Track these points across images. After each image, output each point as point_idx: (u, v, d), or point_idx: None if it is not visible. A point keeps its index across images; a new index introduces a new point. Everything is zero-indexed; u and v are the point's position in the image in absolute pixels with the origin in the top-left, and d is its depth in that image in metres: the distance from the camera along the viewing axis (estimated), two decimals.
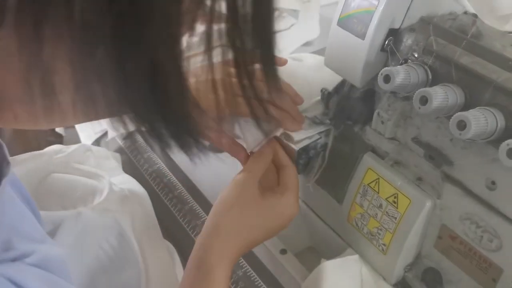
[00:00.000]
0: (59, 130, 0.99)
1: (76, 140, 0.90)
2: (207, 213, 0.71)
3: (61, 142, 0.96)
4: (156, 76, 0.29)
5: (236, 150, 0.61)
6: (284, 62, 0.65)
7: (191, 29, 0.30)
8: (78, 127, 0.90)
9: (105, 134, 0.86)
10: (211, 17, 0.30)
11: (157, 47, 0.28)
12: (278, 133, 0.60)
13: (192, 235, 0.69)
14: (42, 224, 0.36)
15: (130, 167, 0.80)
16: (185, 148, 0.35)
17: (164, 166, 0.79)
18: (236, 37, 0.31)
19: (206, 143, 0.35)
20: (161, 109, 0.32)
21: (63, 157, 0.76)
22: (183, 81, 0.31)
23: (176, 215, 0.72)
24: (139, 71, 0.29)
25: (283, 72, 0.67)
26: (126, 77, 0.29)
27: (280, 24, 1.02)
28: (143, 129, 0.34)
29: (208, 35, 0.30)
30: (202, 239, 0.53)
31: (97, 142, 0.86)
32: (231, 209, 0.53)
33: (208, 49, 0.31)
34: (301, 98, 0.62)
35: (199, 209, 0.72)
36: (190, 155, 0.35)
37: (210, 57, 0.31)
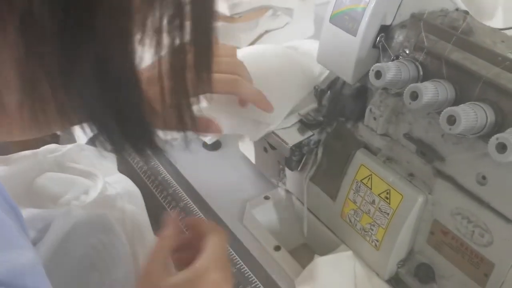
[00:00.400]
0: None
1: (73, 139, 0.90)
2: (202, 211, 0.71)
3: (57, 142, 0.96)
4: (105, 73, 0.28)
5: (210, 126, 0.58)
6: (271, 110, 0.61)
7: (143, 29, 0.29)
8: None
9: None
10: (160, 19, 0.29)
11: (107, 42, 0.27)
12: None
13: (187, 233, 0.69)
14: (24, 228, 0.34)
15: (125, 165, 0.80)
16: (139, 150, 0.34)
17: (159, 164, 0.79)
18: (177, 29, 0.30)
19: (167, 141, 0.35)
20: (112, 109, 0.30)
21: (57, 156, 0.76)
22: (136, 79, 0.30)
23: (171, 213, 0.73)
24: (88, 68, 0.28)
25: (277, 63, 0.68)
26: (75, 75, 0.28)
27: (275, 22, 1.03)
28: (96, 133, 0.32)
29: (157, 31, 0.30)
30: None
31: (91, 141, 0.86)
32: None
33: (157, 45, 0.30)
34: (271, 107, 0.60)
35: (193, 206, 0.72)
36: (144, 157, 0.34)
37: (157, 52, 0.31)
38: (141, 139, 0.34)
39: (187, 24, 0.31)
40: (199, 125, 0.50)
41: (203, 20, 0.32)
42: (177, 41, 0.31)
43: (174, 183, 0.76)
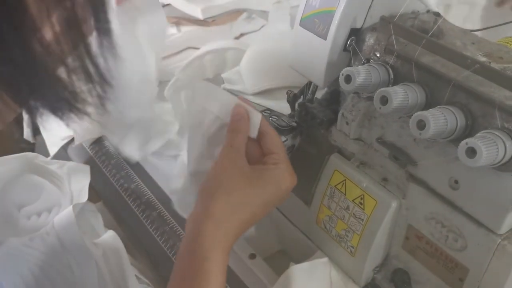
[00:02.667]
0: (27, 137, 0.97)
1: (45, 146, 0.88)
2: (176, 219, 0.70)
3: (32, 150, 0.94)
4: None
5: None
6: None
7: None
8: (44, 133, 0.88)
9: (71, 140, 0.84)
10: None
11: None
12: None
13: (160, 242, 0.68)
14: None
15: (98, 173, 0.78)
16: (58, 112, 0.32)
17: (132, 172, 0.78)
18: None
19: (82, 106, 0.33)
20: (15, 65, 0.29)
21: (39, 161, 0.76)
22: (32, 26, 0.29)
23: (144, 221, 0.71)
24: None
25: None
26: None
27: (250, 25, 1.02)
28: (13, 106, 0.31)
29: None
30: (192, 224, 0.48)
31: (63, 149, 0.84)
32: (220, 189, 0.49)
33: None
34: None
35: (167, 215, 0.70)
36: (66, 120, 0.32)
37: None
38: (52, 97, 0.32)
39: None
40: None
41: None
42: None
43: (148, 191, 0.75)
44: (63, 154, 0.85)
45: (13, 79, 0.30)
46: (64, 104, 0.32)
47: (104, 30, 0.33)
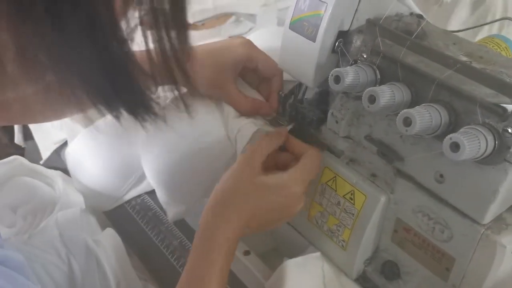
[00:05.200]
0: (18, 141, 0.98)
1: (36, 150, 0.89)
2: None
3: (22, 154, 0.95)
4: (95, 33, 0.30)
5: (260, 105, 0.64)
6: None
7: None
8: (36, 138, 0.89)
9: (64, 144, 0.85)
10: None
11: (94, 7, 0.29)
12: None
13: (156, 241, 0.69)
14: None
15: None
16: (135, 114, 0.35)
17: None
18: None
19: (158, 111, 0.37)
20: (104, 72, 0.32)
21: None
22: (124, 40, 0.32)
23: (140, 221, 0.72)
24: (78, 29, 0.29)
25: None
26: (66, 37, 0.29)
27: (238, 28, 1.03)
28: (94, 100, 0.34)
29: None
30: (204, 230, 0.53)
31: (56, 152, 0.85)
32: (233, 198, 0.53)
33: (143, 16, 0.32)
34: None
35: (162, 214, 0.72)
36: (142, 122, 0.36)
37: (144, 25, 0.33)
38: (135, 102, 0.35)
39: None
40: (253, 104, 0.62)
41: None
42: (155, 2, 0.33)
43: (143, 193, 0.76)
44: (56, 158, 0.85)
45: (111, 92, 0.33)
46: (145, 110, 0.36)
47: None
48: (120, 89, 0.34)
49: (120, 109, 0.35)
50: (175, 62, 0.36)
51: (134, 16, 0.33)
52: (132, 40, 0.33)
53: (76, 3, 0.28)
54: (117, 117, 0.35)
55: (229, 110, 0.64)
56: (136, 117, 0.36)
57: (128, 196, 0.74)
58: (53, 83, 0.32)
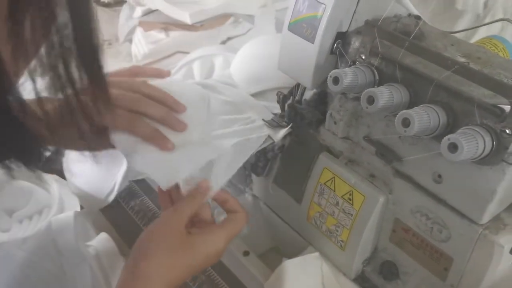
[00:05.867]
0: None
1: None
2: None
3: None
4: None
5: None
6: (167, 74, 0.63)
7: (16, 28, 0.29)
8: None
9: None
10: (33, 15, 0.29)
11: None
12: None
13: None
14: None
15: None
16: (26, 164, 0.34)
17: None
18: (61, 57, 0.31)
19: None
20: None
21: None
22: (17, 93, 0.31)
23: (139, 222, 0.73)
24: None
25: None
26: None
27: (237, 29, 1.04)
28: None
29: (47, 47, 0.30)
30: (123, 282, 0.50)
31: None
32: (155, 250, 0.50)
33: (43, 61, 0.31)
34: (182, 106, 0.59)
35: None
36: (32, 169, 0.35)
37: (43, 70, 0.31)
38: (26, 153, 0.34)
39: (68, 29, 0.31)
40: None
41: (83, 21, 0.32)
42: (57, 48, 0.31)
43: (142, 193, 0.76)
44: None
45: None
46: (38, 158, 0.35)
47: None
48: (10, 139, 0.32)
49: (10, 159, 0.33)
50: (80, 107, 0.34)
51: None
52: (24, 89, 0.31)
53: None
54: (7, 167, 0.33)
55: None
56: (27, 166, 0.34)
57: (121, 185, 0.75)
58: None
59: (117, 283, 0.50)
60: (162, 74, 0.63)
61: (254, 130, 0.62)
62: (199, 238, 0.53)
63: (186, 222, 0.53)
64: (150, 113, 0.56)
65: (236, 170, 0.58)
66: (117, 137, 0.56)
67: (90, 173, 0.73)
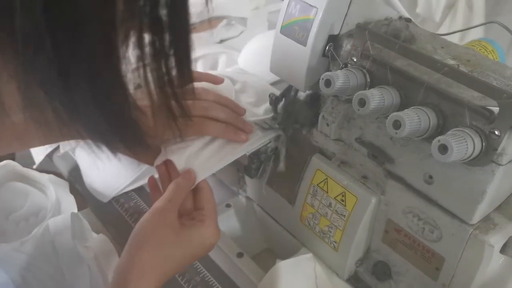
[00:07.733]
0: None
1: (28, 155, 0.89)
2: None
3: (13, 158, 0.95)
4: (96, 83, 0.31)
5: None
6: (221, 81, 0.67)
7: (126, 40, 0.32)
8: None
9: (57, 148, 0.85)
10: (141, 27, 0.31)
11: (95, 53, 0.30)
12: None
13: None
14: None
15: (82, 181, 0.80)
16: (131, 149, 0.37)
17: None
18: (157, 43, 0.33)
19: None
20: (105, 114, 0.33)
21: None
22: (124, 87, 0.33)
23: (133, 225, 0.73)
24: (80, 79, 0.30)
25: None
26: (69, 87, 0.30)
27: (230, 31, 1.04)
28: (94, 140, 0.36)
29: (140, 44, 0.32)
30: (118, 275, 0.50)
31: (49, 157, 0.85)
32: (149, 241, 0.51)
33: (140, 59, 0.33)
34: (242, 109, 0.64)
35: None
36: (136, 155, 0.38)
37: (143, 66, 0.33)
38: (132, 140, 0.37)
39: (165, 26, 0.33)
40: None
41: (179, 18, 0.34)
42: (157, 45, 0.33)
43: (135, 195, 0.76)
44: (48, 162, 0.85)
45: (111, 133, 0.35)
46: (140, 145, 0.38)
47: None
48: (120, 131, 0.35)
49: (119, 147, 0.36)
50: (174, 99, 0.37)
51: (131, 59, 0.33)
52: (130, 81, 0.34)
53: (78, 55, 0.29)
54: (114, 153, 0.37)
55: None
56: (131, 150, 0.37)
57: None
58: (54, 122, 0.33)
59: (112, 275, 0.51)
60: (216, 81, 0.67)
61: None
62: (194, 232, 0.54)
63: (177, 210, 0.54)
64: (221, 117, 0.61)
65: (223, 166, 0.61)
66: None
67: (108, 167, 0.74)
